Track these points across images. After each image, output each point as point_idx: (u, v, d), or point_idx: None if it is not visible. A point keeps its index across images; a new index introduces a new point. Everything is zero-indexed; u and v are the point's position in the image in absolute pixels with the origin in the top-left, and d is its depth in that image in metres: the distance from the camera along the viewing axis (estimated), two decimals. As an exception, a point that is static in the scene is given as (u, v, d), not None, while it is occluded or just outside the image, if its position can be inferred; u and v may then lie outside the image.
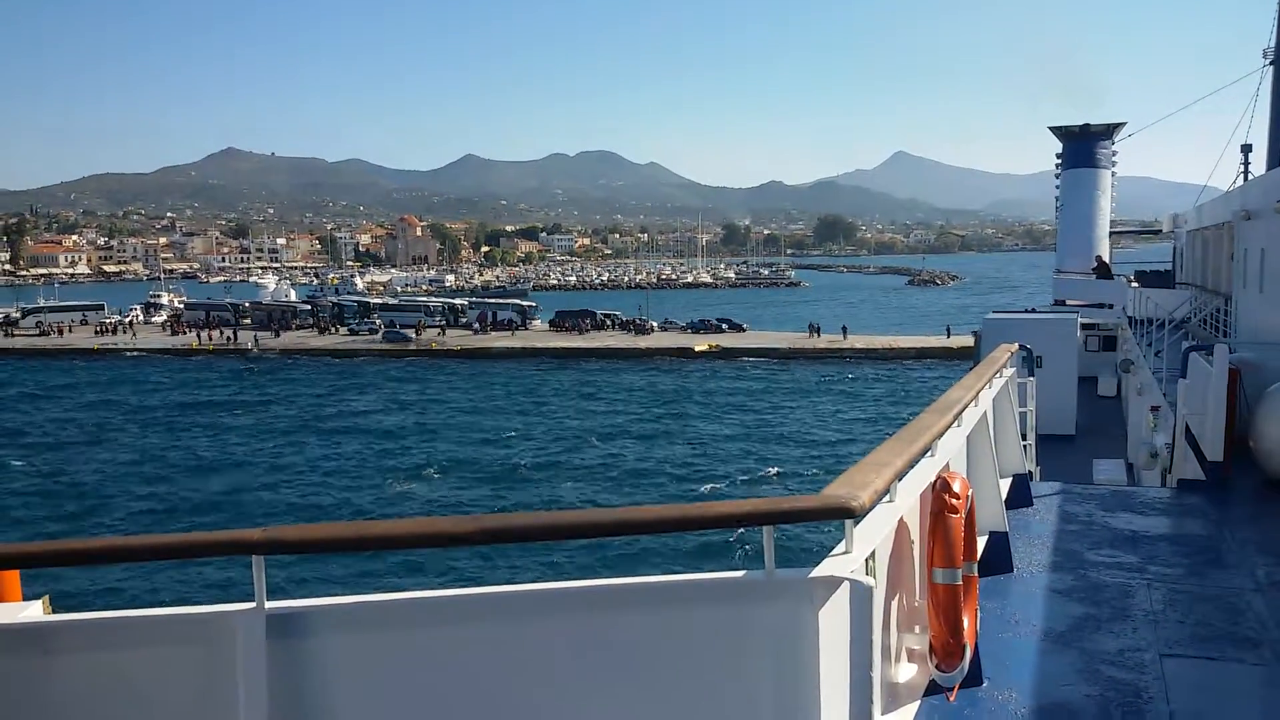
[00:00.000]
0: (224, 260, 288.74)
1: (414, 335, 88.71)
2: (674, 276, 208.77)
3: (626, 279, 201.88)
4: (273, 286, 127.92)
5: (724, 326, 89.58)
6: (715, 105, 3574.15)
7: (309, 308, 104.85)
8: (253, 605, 3.04)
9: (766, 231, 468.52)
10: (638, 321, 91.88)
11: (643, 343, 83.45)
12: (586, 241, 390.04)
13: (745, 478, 39.24)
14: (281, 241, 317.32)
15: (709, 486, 37.65)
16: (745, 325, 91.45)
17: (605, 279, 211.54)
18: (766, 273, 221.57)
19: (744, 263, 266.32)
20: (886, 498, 3.84)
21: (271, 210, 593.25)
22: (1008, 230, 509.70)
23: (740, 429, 49.50)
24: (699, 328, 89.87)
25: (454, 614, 3.12)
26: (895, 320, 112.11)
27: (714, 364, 74.89)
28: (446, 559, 26.64)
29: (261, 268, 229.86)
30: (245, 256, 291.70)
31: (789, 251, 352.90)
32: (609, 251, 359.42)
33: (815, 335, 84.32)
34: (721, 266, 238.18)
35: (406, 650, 3.10)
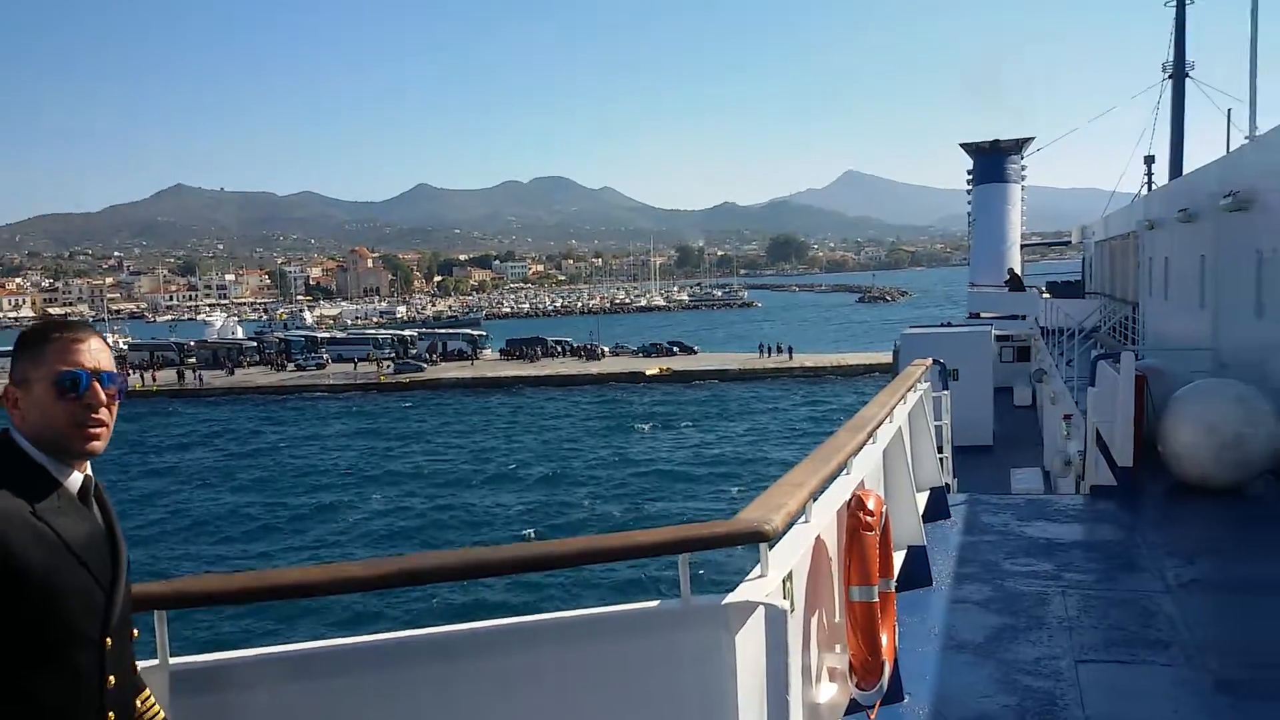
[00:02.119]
0: (172, 299, 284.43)
1: (426, 365, 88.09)
2: (627, 300, 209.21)
3: (580, 304, 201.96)
4: (219, 324, 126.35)
5: (675, 349, 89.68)
6: (668, 128, 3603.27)
7: (255, 344, 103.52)
8: (155, 663, 2.82)
9: (720, 252, 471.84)
10: (589, 347, 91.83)
11: (594, 368, 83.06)
12: (540, 268, 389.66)
13: (687, 501, 39.19)
14: (230, 278, 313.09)
15: (653, 507, 37.55)
16: (696, 347, 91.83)
17: (558, 305, 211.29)
18: (720, 294, 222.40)
19: (698, 284, 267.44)
20: (802, 518, 3.80)
21: (221, 246, 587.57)
22: (956, 244, 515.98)
23: (686, 451, 49.46)
24: (650, 351, 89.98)
25: (373, 660, 2.94)
26: (846, 337, 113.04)
27: (664, 387, 75.04)
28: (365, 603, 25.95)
29: (210, 305, 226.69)
30: (193, 294, 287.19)
31: (742, 271, 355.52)
32: (563, 278, 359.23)
33: (766, 355, 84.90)
34: (675, 289, 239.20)
35: (323, 701, 2.92)
